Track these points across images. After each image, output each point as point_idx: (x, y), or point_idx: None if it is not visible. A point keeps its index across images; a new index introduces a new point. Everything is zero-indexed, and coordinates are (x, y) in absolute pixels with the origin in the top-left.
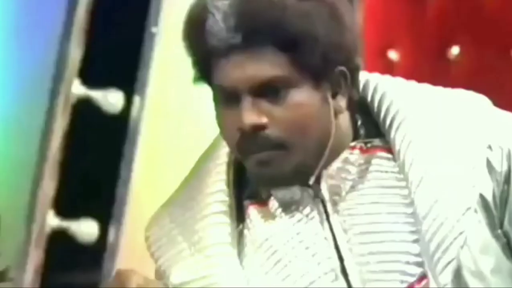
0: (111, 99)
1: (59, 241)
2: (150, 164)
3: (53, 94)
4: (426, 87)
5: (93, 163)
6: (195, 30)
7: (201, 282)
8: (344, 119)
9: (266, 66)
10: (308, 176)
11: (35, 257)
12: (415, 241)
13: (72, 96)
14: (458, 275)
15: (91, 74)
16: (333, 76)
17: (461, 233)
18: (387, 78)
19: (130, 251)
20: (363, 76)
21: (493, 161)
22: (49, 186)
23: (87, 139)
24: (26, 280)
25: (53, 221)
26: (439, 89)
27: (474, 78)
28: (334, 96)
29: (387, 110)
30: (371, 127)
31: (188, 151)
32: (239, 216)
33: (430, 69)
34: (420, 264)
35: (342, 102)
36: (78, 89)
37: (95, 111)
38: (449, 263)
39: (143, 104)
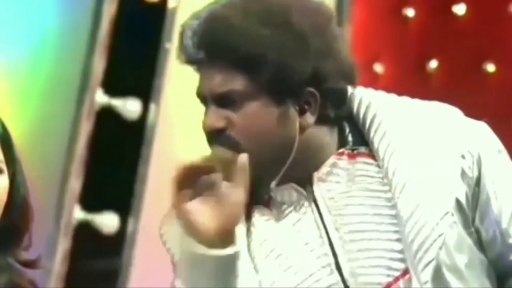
0: (130, 107)
1: (84, 232)
2: (164, 163)
3: (79, 102)
4: (406, 100)
5: (114, 163)
6: (179, 44)
7: None
8: (322, 130)
9: (225, 80)
10: (268, 180)
11: (63, 246)
12: (398, 240)
13: (95, 104)
14: (437, 272)
15: (113, 84)
16: (300, 95)
17: (440, 235)
18: (371, 91)
19: (147, 241)
20: (349, 89)
21: (465, 168)
22: (75, 184)
23: (109, 142)
24: (55, 266)
25: (78, 214)
26: (417, 101)
27: (450, 89)
28: (302, 112)
29: (371, 121)
30: (358, 135)
31: (198, 152)
32: (247, 213)
33: (411, 81)
34: (403, 260)
35: (310, 119)
36: (101, 97)
37: (116, 117)
38: (429, 262)
39: (158, 110)
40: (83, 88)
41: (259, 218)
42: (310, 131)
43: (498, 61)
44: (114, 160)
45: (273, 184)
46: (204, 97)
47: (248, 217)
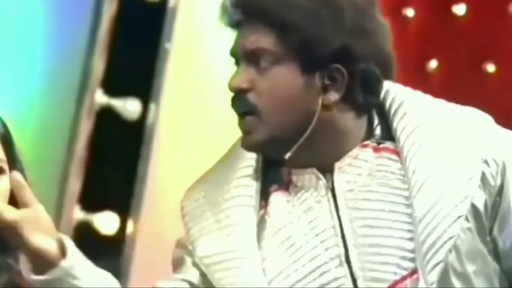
0: (129, 107)
1: (84, 232)
2: (164, 164)
3: (79, 102)
4: (440, 102)
5: (114, 163)
6: (220, 7)
7: (221, 256)
8: (349, 115)
9: (257, 38)
10: (285, 151)
11: None
12: (411, 239)
13: (95, 104)
14: (444, 275)
15: (113, 85)
16: (326, 69)
17: (451, 237)
18: (407, 90)
19: (147, 241)
20: (386, 85)
21: (488, 175)
22: (75, 184)
23: (109, 142)
24: None
25: (78, 214)
26: (451, 105)
27: (450, 89)
28: (325, 88)
29: (401, 119)
30: (386, 130)
31: (198, 151)
32: (263, 201)
33: (410, 81)
34: (413, 260)
35: (333, 96)
36: (101, 98)
37: (115, 117)
38: (437, 264)
39: (158, 110)
40: (83, 88)
41: (276, 206)
42: (335, 112)
43: (498, 61)
44: (114, 160)
45: (288, 155)
46: (236, 55)
47: (265, 204)
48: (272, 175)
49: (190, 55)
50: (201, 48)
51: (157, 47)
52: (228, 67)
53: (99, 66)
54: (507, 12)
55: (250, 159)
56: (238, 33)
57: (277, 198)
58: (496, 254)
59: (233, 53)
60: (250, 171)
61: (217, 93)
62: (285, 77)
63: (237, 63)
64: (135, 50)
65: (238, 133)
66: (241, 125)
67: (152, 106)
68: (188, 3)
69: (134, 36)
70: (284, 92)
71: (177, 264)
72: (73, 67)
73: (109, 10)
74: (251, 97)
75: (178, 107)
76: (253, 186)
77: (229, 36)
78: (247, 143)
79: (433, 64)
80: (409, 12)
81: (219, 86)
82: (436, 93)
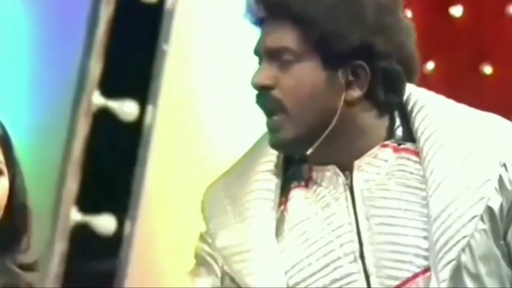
0: (126, 108)
1: (81, 234)
2: (162, 165)
3: (76, 103)
4: (461, 107)
5: (111, 165)
6: (245, 3)
7: (240, 248)
8: (371, 113)
9: (279, 37)
10: (307, 148)
11: (60, 248)
12: (425, 238)
13: (92, 105)
14: (456, 273)
15: (110, 86)
16: (348, 66)
17: (464, 236)
18: (430, 93)
19: (145, 242)
20: (409, 88)
21: (505, 179)
22: (72, 185)
23: (106, 143)
24: (52, 268)
25: (76, 216)
26: (472, 109)
27: (447, 91)
28: (348, 84)
29: (422, 121)
30: (407, 132)
31: (195, 153)
32: (284, 196)
33: None
34: (426, 258)
35: (356, 92)
36: (98, 99)
37: (113, 118)
38: (449, 262)
39: (156, 112)
40: (80, 89)
41: (295, 202)
42: (357, 110)
43: (495, 62)
44: (111, 162)
45: (309, 151)
46: (259, 53)
47: (285, 200)
48: (293, 172)
49: (188, 57)
50: (198, 49)
51: (154, 49)
52: (226, 68)
53: (96, 67)
54: (504, 14)
55: (271, 155)
56: (261, 31)
57: (296, 194)
58: (509, 259)
59: (256, 51)
60: (271, 166)
61: (215, 94)
62: (308, 74)
63: (260, 61)
64: (132, 51)
65: (237, 133)
66: (268, 123)
67: (149, 108)
68: (186, 4)
69: (131, 37)
70: (308, 88)
71: (199, 262)
72: (70, 68)
73: (106, 11)
74: (276, 93)
75: (175, 108)
76: (273, 181)
77: (227, 36)
78: (274, 141)
79: (430, 65)
80: (407, 14)
81: (216, 87)
82: None
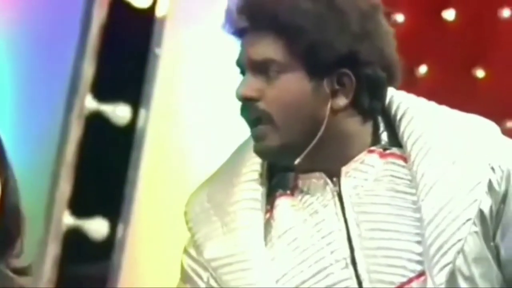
0: (119, 112)
1: (74, 238)
2: (154, 169)
3: (69, 107)
4: (445, 108)
5: (103, 168)
6: (225, 14)
7: (229, 259)
8: (355, 119)
9: (264, 48)
10: (294, 157)
11: (52, 252)
12: (418, 242)
13: (85, 109)
14: (452, 277)
15: (102, 90)
16: (334, 75)
17: (459, 240)
18: (411, 96)
19: (137, 246)
20: (390, 92)
21: (494, 181)
22: (65, 189)
23: (98, 147)
24: (45, 271)
25: (68, 220)
26: (456, 112)
27: (439, 94)
28: (334, 94)
29: (408, 124)
30: (393, 137)
31: (188, 156)
32: (269, 204)
33: (400, 86)
34: (420, 263)
35: (342, 101)
36: (90, 103)
37: (105, 122)
38: (445, 266)
39: (148, 116)
40: (73, 93)
41: (282, 210)
42: (342, 117)
43: (487, 66)
44: (103, 166)
45: (297, 161)
46: (242, 65)
47: (270, 208)
48: (277, 181)
49: (180, 61)
50: (191, 53)
51: (146, 53)
52: (218, 72)
53: (89, 71)
54: (496, 17)
55: (255, 164)
56: (243, 43)
57: (282, 202)
58: (498, 261)
59: (238, 63)
60: (256, 175)
61: (208, 98)
62: (293, 85)
63: (243, 72)
64: (124, 55)
65: (229, 138)
66: (253, 132)
67: (141, 112)
68: (178, 9)
69: (123, 41)
70: (294, 99)
71: (184, 278)
72: (63, 72)
73: (99, 15)
74: (261, 105)
75: (168, 112)
76: (259, 190)
77: (219, 41)
78: (260, 148)
79: (422, 69)
80: (399, 17)
81: (209, 91)
82: (426, 99)
